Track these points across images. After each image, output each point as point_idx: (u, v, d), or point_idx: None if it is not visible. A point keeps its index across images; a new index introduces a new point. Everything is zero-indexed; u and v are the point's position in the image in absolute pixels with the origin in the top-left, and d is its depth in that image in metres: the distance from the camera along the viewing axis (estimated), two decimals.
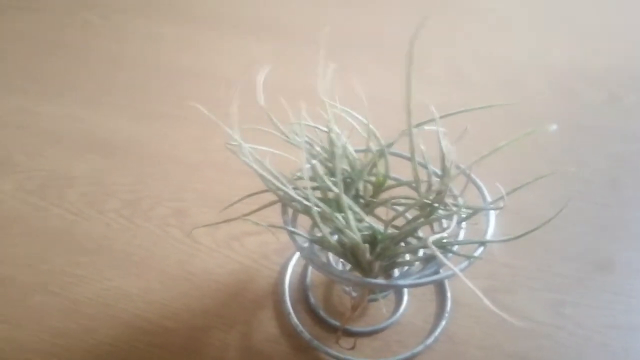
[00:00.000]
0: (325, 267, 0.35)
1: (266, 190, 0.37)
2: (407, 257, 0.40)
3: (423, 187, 0.35)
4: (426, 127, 0.37)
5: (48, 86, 0.72)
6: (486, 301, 0.25)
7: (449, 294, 0.45)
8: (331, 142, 0.38)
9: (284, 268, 0.48)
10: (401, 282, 0.33)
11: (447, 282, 0.46)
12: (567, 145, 0.62)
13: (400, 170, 0.39)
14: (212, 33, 0.83)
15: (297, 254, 0.48)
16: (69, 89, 0.71)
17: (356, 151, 0.39)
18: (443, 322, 0.43)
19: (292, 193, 0.35)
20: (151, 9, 0.88)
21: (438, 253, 0.28)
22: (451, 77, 0.73)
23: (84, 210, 0.54)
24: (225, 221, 0.37)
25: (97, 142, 0.62)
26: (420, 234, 0.41)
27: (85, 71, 0.74)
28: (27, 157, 0.60)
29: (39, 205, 0.54)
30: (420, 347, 0.41)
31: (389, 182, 0.39)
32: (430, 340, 0.42)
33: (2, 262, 0.49)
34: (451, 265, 0.29)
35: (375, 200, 0.39)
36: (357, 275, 0.36)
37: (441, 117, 0.35)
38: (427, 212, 0.35)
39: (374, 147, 0.38)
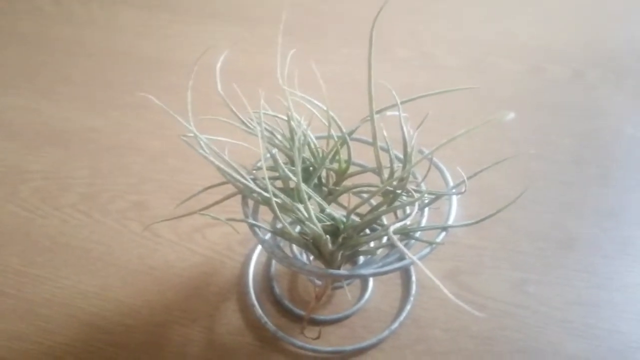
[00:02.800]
0: (287, 260, 0.34)
1: (225, 182, 0.35)
2: (371, 245, 0.40)
3: (386, 173, 0.35)
4: (388, 113, 0.36)
5: (1, 76, 0.68)
6: (446, 291, 0.24)
7: (414, 278, 0.45)
8: (291, 131, 0.37)
9: (247, 259, 0.47)
10: (363, 271, 0.33)
11: (412, 267, 0.46)
12: (531, 125, 0.62)
13: (363, 155, 0.39)
14: (170, 18, 0.80)
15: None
16: (23, 79, 0.68)
17: (317, 138, 0.38)
18: (408, 306, 0.43)
19: (252, 184, 0.34)
20: None
21: (398, 243, 0.28)
22: (417, 58, 0.73)
23: (38, 206, 0.52)
24: (184, 215, 0.36)
25: (52, 134, 0.60)
26: (385, 220, 0.41)
27: (39, 60, 0.71)
28: None
29: None
30: (385, 332, 0.41)
31: (352, 169, 0.38)
32: (395, 325, 0.42)
33: None
34: (410, 255, 0.28)
35: (337, 188, 0.38)
36: (319, 266, 0.35)
37: (402, 102, 0.34)
38: (390, 198, 0.35)
39: (335, 134, 0.37)
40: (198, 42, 0.75)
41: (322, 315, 0.42)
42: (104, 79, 0.68)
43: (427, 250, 0.34)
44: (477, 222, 0.34)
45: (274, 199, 0.32)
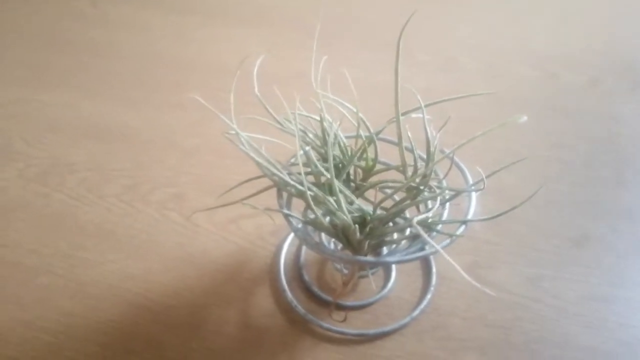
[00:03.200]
0: (318, 247, 0.38)
1: (262, 176, 0.39)
2: (395, 236, 0.43)
3: (409, 171, 0.38)
4: (413, 115, 0.39)
5: (46, 76, 0.73)
6: (465, 275, 0.27)
7: (434, 270, 0.48)
8: (323, 130, 0.40)
9: (279, 248, 0.50)
10: (389, 259, 0.36)
11: (432, 259, 0.49)
12: (547, 129, 0.64)
13: (388, 155, 0.42)
14: (200, 22, 0.84)
15: (291, 235, 0.51)
16: (65, 79, 0.72)
17: (347, 138, 0.41)
18: (429, 296, 0.46)
19: (287, 178, 0.37)
20: None
21: (422, 232, 0.31)
22: (437, 62, 0.75)
23: (84, 195, 0.56)
24: (223, 205, 0.39)
25: (95, 130, 0.64)
26: (407, 214, 0.44)
27: (81, 61, 0.76)
28: (28, 145, 0.62)
29: (41, 191, 0.56)
30: (407, 319, 0.44)
31: (378, 167, 0.41)
32: (416, 312, 0.45)
33: (7, 246, 0.51)
34: (434, 243, 0.31)
35: (364, 184, 0.41)
36: (348, 253, 0.39)
37: (426, 105, 0.37)
38: (413, 194, 0.38)
39: (363, 134, 0.40)
40: (227, 45, 0.78)
41: (348, 302, 0.46)
42: (139, 79, 0.72)
43: (448, 241, 0.37)
44: (494, 217, 0.36)
45: (308, 192, 0.36)
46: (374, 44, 0.78)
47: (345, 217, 0.35)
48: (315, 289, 0.47)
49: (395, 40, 0.33)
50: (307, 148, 0.40)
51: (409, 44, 0.78)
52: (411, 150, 0.39)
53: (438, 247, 0.31)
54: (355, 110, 0.40)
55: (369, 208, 0.38)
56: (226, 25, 0.83)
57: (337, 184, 0.36)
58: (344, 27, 0.82)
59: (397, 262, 0.39)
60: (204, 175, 0.58)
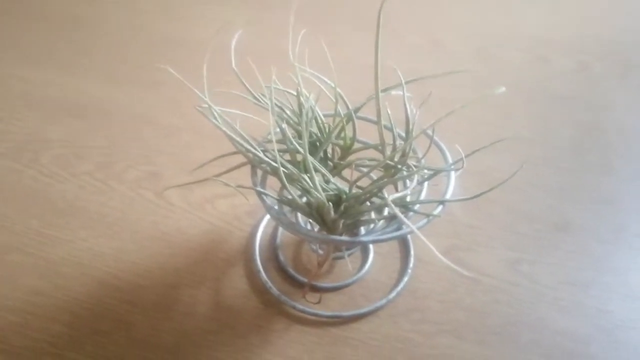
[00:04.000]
0: (292, 226, 0.37)
1: (236, 152, 0.38)
2: (373, 216, 0.42)
3: (388, 150, 0.37)
4: (393, 92, 0.38)
5: (22, 50, 0.71)
6: (440, 256, 0.27)
7: (412, 252, 0.47)
8: (300, 106, 0.39)
9: (254, 229, 0.49)
10: (363, 238, 0.35)
11: (410, 241, 0.48)
12: (534, 113, 0.63)
13: (368, 133, 0.41)
14: None
15: (268, 217, 0.50)
16: (44, 54, 0.70)
17: (325, 115, 0.40)
18: (406, 278, 0.45)
19: (261, 155, 0.36)
20: None
21: (397, 211, 0.30)
22: (426, 44, 0.74)
23: (57, 172, 0.54)
24: (196, 182, 0.38)
25: (71, 106, 0.62)
26: (386, 195, 0.43)
27: (61, 36, 0.73)
28: (1, 120, 0.60)
29: (13, 167, 0.55)
30: (383, 301, 0.43)
31: (357, 146, 0.40)
32: (392, 295, 0.44)
33: None
34: (409, 223, 0.30)
35: (342, 162, 0.40)
36: (323, 233, 0.38)
37: (407, 82, 0.36)
38: (391, 173, 0.37)
39: (342, 111, 0.39)
40: (213, 22, 0.77)
41: (323, 283, 0.45)
42: (122, 55, 0.70)
43: (425, 221, 0.36)
44: (472, 198, 0.36)
45: (282, 169, 0.35)
46: (361, 25, 0.77)
47: (319, 195, 0.34)
48: (291, 270, 0.46)
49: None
50: (283, 125, 0.39)
51: (398, 26, 0.76)
52: (390, 129, 0.38)
53: (413, 227, 0.30)
54: (333, 85, 0.39)
55: (345, 187, 0.37)
56: (212, 2, 0.81)
57: (312, 161, 0.35)
58: (332, 6, 0.80)
59: (372, 242, 0.38)
60: (181, 154, 0.56)
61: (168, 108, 0.62)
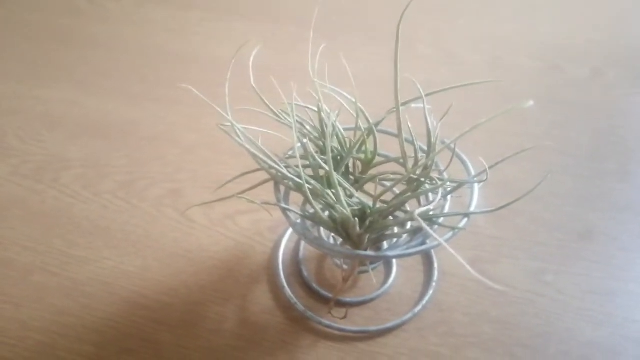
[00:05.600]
0: (318, 242, 0.37)
1: (259, 169, 0.38)
2: (395, 230, 0.42)
3: (410, 163, 0.37)
4: (413, 105, 0.38)
5: (43, 72, 0.72)
6: (468, 267, 0.26)
7: (436, 265, 0.47)
8: (321, 122, 0.39)
9: (277, 244, 0.49)
10: (389, 253, 0.35)
11: (434, 254, 0.48)
12: (550, 121, 0.63)
13: (388, 146, 0.41)
14: (200, 16, 0.83)
15: (290, 231, 0.50)
16: (62, 74, 0.72)
17: (345, 129, 0.40)
18: (430, 291, 0.45)
19: (285, 171, 0.36)
20: None
21: (424, 224, 0.30)
22: (439, 54, 0.74)
23: (79, 192, 0.55)
24: (219, 200, 0.38)
25: (91, 125, 0.63)
26: (408, 207, 0.43)
27: (78, 55, 0.75)
28: (22, 141, 0.61)
29: (36, 188, 0.55)
30: (409, 315, 0.43)
31: (378, 159, 0.40)
32: (418, 308, 0.44)
33: (1, 244, 0.50)
34: (436, 236, 0.30)
35: (364, 176, 0.40)
36: (347, 248, 0.38)
37: (427, 95, 0.36)
38: (414, 186, 0.37)
39: (362, 125, 0.39)
40: (227, 39, 0.78)
41: (348, 298, 0.45)
42: (138, 73, 0.71)
43: (450, 234, 0.36)
44: (497, 210, 0.35)
45: (306, 185, 0.35)
46: (376, 37, 0.77)
47: (344, 210, 0.34)
48: (315, 285, 0.46)
49: (396, 33, 0.32)
50: (305, 140, 0.39)
51: (411, 37, 0.77)
52: (411, 142, 0.38)
53: (441, 240, 0.30)
54: (354, 100, 0.39)
55: (368, 201, 0.37)
56: (226, 20, 0.82)
57: (336, 177, 0.35)
58: (345, 20, 0.81)
59: (399, 257, 0.38)
60: (201, 171, 0.57)
61: (186, 125, 0.63)
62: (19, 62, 0.73)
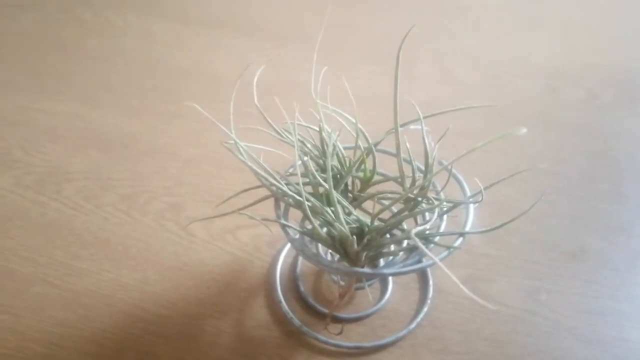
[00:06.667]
0: (315, 258, 0.38)
1: (260, 186, 0.39)
2: (392, 247, 0.43)
3: (407, 182, 0.38)
4: (412, 127, 0.39)
5: (44, 83, 0.73)
6: (463, 287, 0.27)
7: (431, 282, 0.48)
8: (322, 141, 0.40)
9: (275, 259, 0.50)
10: (386, 270, 0.36)
11: (429, 271, 0.49)
12: (546, 142, 0.65)
13: (386, 165, 0.42)
14: (201, 31, 0.84)
15: (288, 246, 0.51)
16: (65, 86, 0.72)
17: (345, 148, 0.41)
18: (425, 309, 0.46)
19: (285, 188, 0.37)
20: (142, 7, 0.90)
21: (420, 244, 0.30)
22: (436, 74, 0.76)
23: (81, 204, 0.56)
24: (221, 215, 0.39)
25: (94, 138, 0.64)
26: (405, 226, 0.44)
27: (80, 68, 0.76)
28: (25, 152, 0.62)
29: (38, 199, 0.56)
30: (404, 332, 0.44)
31: (376, 178, 0.41)
32: (413, 325, 0.44)
33: (3, 254, 0.51)
34: (432, 255, 0.31)
35: (362, 194, 0.41)
36: (345, 264, 0.38)
37: (425, 117, 0.37)
38: (411, 205, 0.38)
39: (362, 144, 0.40)
40: (228, 55, 0.79)
41: (344, 314, 0.45)
42: (140, 87, 0.72)
43: (445, 253, 0.36)
44: (492, 230, 0.36)
45: (306, 202, 0.36)
46: (374, 55, 0.79)
47: (343, 228, 0.35)
48: (311, 300, 0.46)
49: (396, 52, 0.33)
50: (306, 158, 0.40)
51: (409, 56, 0.78)
52: (409, 162, 0.39)
53: (436, 259, 0.31)
54: (354, 121, 0.40)
55: (366, 219, 0.38)
56: (226, 35, 0.83)
57: (336, 195, 0.36)
58: (344, 38, 0.83)
59: (395, 274, 0.38)
60: (201, 185, 0.58)
61: (186, 139, 0.63)
62: (22, 74, 0.74)
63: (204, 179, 0.58)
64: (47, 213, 0.55)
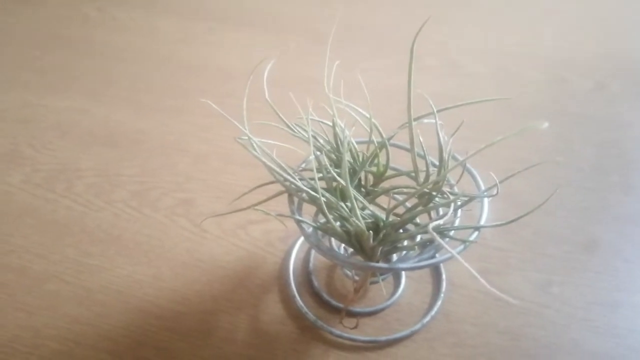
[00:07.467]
0: (331, 252, 0.38)
1: (273, 182, 0.39)
2: (406, 242, 0.43)
3: (421, 177, 0.38)
4: (425, 120, 0.39)
5: (50, 80, 0.73)
6: (481, 279, 0.27)
7: (444, 276, 0.48)
8: (336, 136, 0.40)
9: (288, 254, 0.50)
10: (403, 265, 0.36)
11: (442, 265, 0.49)
12: (556, 134, 0.64)
13: (399, 160, 0.42)
14: (209, 26, 0.84)
15: (300, 241, 0.51)
16: (73, 82, 0.72)
17: (358, 143, 0.41)
18: (439, 302, 0.46)
19: (300, 184, 0.37)
20: (147, 2, 0.89)
21: (438, 238, 0.30)
22: (446, 67, 0.76)
23: (92, 201, 0.56)
24: (235, 211, 0.39)
25: (104, 135, 0.64)
26: (418, 220, 0.44)
27: (87, 64, 0.76)
28: (34, 150, 0.62)
29: (48, 197, 0.56)
30: (418, 325, 0.44)
31: (390, 172, 0.41)
32: (427, 319, 0.44)
33: (15, 252, 0.51)
34: (449, 249, 0.31)
35: (376, 189, 0.41)
36: (360, 259, 0.39)
37: (439, 111, 0.37)
38: (426, 200, 0.38)
39: (375, 139, 0.40)
40: (236, 50, 0.79)
41: (358, 308, 0.46)
42: (146, 82, 0.72)
43: (461, 247, 0.36)
44: (507, 223, 0.36)
45: (321, 197, 0.36)
46: (384, 49, 0.79)
47: (359, 223, 0.35)
48: (325, 295, 0.46)
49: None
50: (319, 153, 0.40)
51: (418, 49, 0.78)
52: (423, 157, 0.39)
53: (454, 252, 0.31)
54: (368, 116, 0.40)
55: (381, 214, 0.38)
56: (235, 31, 0.83)
57: (351, 190, 0.36)
58: (352, 32, 0.82)
59: (413, 269, 0.38)
60: (211, 180, 0.58)
61: (195, 135, 0.63)
62: (29, 71, 0.74)
63: (213, 175, 0.58)
64: (57, 210, 0.55)
